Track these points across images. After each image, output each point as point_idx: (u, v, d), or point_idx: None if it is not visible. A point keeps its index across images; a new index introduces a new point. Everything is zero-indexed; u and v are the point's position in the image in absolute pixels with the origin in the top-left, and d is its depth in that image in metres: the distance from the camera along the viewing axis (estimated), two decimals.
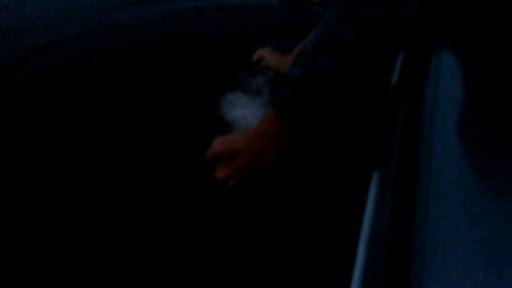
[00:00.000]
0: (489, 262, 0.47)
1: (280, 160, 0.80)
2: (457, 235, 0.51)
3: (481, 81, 0.69)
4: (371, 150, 0.86)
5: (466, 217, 0.53)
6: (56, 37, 1.89)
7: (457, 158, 0.62)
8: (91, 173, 1.22)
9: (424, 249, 0.52)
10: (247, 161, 0.80)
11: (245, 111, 1.35)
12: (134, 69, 1.65)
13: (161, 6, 2.11)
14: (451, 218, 0.54)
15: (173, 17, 2.03)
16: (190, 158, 1.16)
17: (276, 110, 0.76)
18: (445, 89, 0.72)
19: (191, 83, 1.54)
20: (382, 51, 0.68)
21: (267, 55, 1.50)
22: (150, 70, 1.65)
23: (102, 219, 1.09)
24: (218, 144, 0.82)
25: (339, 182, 1.00)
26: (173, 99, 1.48)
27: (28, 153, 1.31)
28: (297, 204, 1.01)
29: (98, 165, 1.25)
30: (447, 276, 0.47)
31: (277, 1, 1.69)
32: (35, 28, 1.98)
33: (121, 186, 1.18)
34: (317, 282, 0.88)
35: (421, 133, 0.70)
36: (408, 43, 0.71)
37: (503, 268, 0.46)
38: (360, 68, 0.70)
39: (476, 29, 0.73)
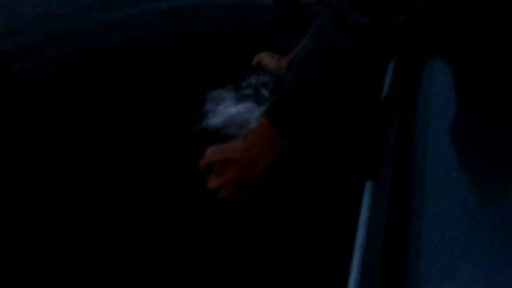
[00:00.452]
0: (482, 268, 0.47)
1: (274, 171, 0.80)
2: (452, 240, 0.51)
3: (474, 89, 0.69)
4: (365, 159, 0.85)
5: (460, 223, 0.53)
6: (42, 37, 1.90)
7: (451, 165, 0.61)
8: (74, 172, 1.22)
9: (419, 257, 0.52)
10: (241, 171, 0.78)
11: (239, 108, 1.36)
12: (129, 67, 1.65)
13: (156, 4, 2.12)
14: (446, 224, 0.54)
15: (168, 16, 2.04)
16: (184, 158, 1.16)
17: (269, 118, 0.76)
18: (438, 97, 0.72)
19: (186, 81, 1.54)
20: (373, 58, 0.68)
21: (265, 58, 1.52)
22: (145, 68, 1.65)
23: (83, 222, 1.08)
24: (212, 153, 0.82)
25: (333, 191, 1.00)
26: (168, 97, 1.48)
27: (8, 151, 1.30)
28: (290, 211, 1.00)
29: (81, 163, 1.24)
30: (441, 281, 0.47)
31: (271, 1, 1.70)
32: (24, 28, 1.99)
33: (108, 188, 1.17)
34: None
35: (414, 141, 0.70)
36: (400, 50, 0.71)
37: (497, 278, 0.45)
38: (352, 75, 0.69)
39: (469, 36, 0.73)
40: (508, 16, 0.67)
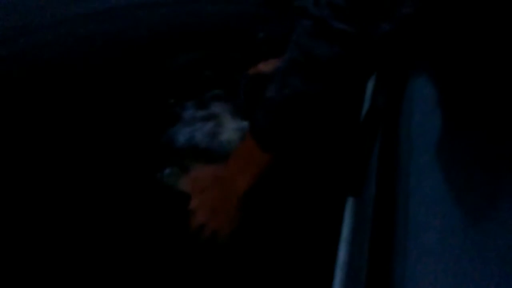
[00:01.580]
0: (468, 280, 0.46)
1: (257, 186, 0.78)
2: (438, 259, 0.51)
3: (459, 103, 0.69)
4: (347, 174, 0.84)
5: (445, 242, 0.52)
6: (14, 28, 1.87)
7: (435, 181, 0.60)
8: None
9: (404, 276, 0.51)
10: (224, 186, 0.77)
11: (231, 107, 1.36)
12: (113, 62, 1.61)
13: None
14: (431, 243, 0.53)
15: (159, 10, 2.03)
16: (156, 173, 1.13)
17: (251, 133, 0.74)
18: (422, 112, 0.71)
19: (166, 84, 1.52)
20: (356, 67, 0.66)
21: (261, 67, 1.51)
22: (132, 62, 1.61)
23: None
24: (198, 171, 0.81)
25: (315, 207, 0.99)
26: (162, 94, 1.45)
27: None
28: (271, 228, 0.98)
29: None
30: None
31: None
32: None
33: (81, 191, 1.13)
34: None
35: (398, 156, 0.69)
36: (383, 61, 0.70)
37: None
38: (333, 86, 0.67)
39: (453, 50, 0.73)
40: (493, 29, 0.66)
